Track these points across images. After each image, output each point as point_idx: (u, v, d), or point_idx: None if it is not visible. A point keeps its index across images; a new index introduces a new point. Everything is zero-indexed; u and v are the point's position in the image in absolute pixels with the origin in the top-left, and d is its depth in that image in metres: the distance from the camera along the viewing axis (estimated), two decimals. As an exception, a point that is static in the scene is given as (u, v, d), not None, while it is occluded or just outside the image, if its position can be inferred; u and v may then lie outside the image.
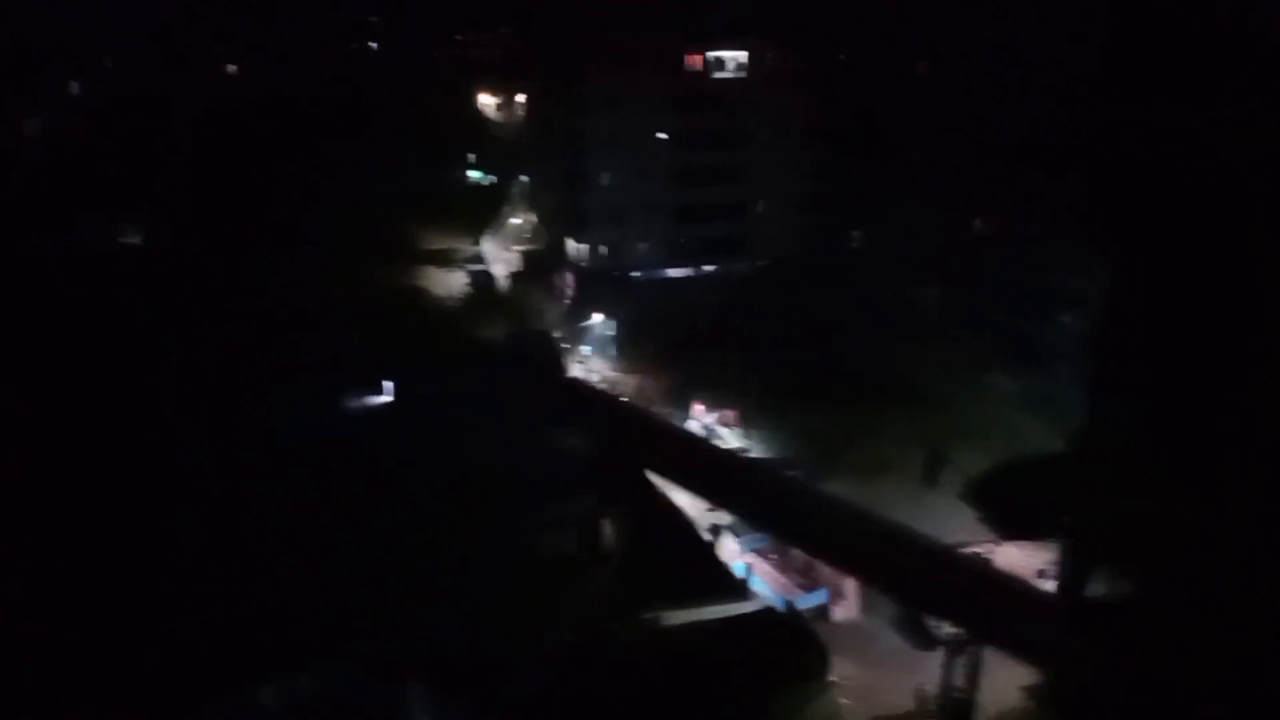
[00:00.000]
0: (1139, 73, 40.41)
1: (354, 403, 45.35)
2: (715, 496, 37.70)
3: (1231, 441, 28.52)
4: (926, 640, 31.82)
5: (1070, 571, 31.09)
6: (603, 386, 51.88)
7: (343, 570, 32.64)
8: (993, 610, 28.82)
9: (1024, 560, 34.70)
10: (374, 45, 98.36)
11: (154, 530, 33.74)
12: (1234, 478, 27.57)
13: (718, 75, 66.13)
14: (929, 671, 29.75)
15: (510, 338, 54.69)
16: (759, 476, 40.05)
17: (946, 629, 30.73)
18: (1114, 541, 30.49)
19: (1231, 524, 26.86)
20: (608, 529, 38.68)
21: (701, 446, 42.87)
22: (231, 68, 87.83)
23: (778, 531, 35.90)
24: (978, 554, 33.40)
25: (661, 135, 64.12)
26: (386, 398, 46.72)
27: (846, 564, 33.46)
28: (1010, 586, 30.75)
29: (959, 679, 28.82)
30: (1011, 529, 33.53)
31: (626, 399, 49.90)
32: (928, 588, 30.31)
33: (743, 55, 66.58)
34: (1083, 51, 45.22)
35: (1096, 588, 30.95)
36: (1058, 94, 45.61)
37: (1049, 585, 34.41)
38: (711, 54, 66.00)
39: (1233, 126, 34.29)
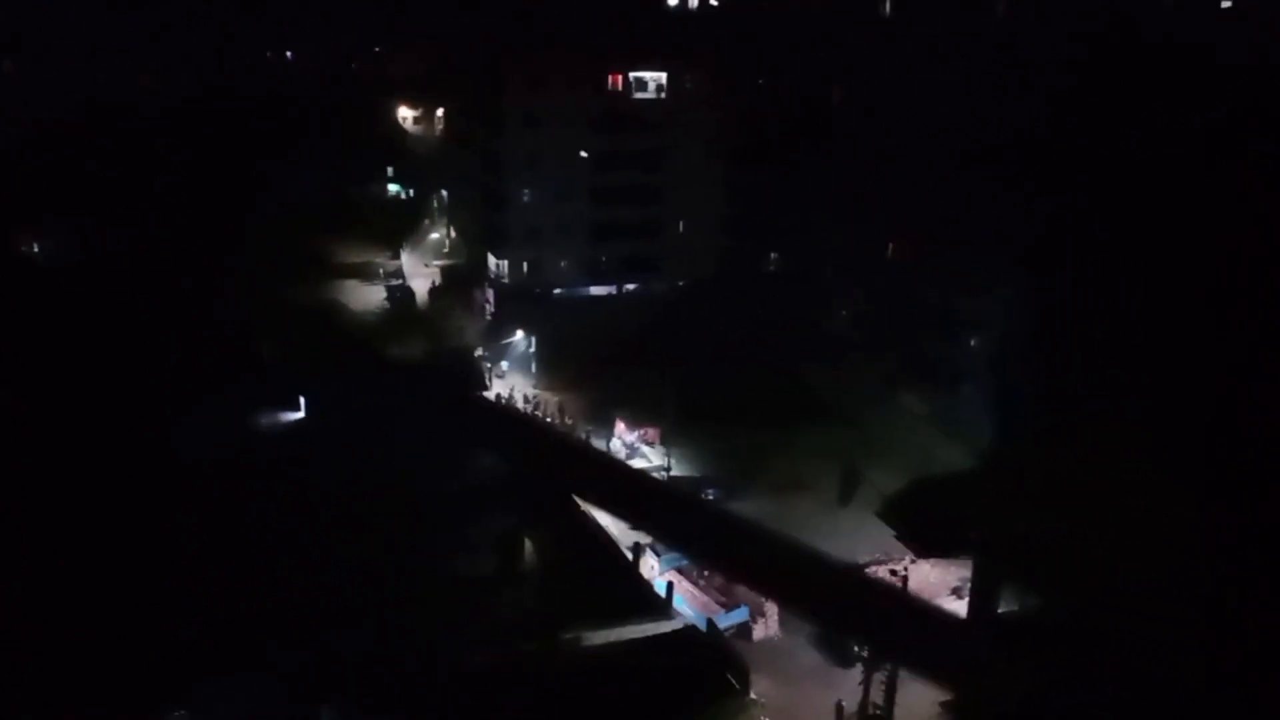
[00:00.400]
0: (1044, 101, 42.35)
1: (268, 418, 44.17)
2: (631, 518, 37.74)
3: (1132, 456, 29.89)
4: (845, 657, 32.34)
5: (981, 587, 32.04)
6: (523, 406, 51.54)
7: (255, 587, 31.71)
8: (900, 629, 29.45)
9: (939, 577, 35.61)
10: (290, 56, 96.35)
11: (63, 547, 32.29)
12: (1135, 491, 28.89)
13: (638, 95, 66.77)
14: (848, 688, 30.22)
15: (429, 354, 54.00)
16: (674, 499, 40.22)
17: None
18: (1021, 556, 31.57)
19: (1134, 536, 28.12)
20: (528, 546, 38.41)
21: (619, 469, 42.83)
22: (142, 78, 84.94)
23: (691, 553, 36.12)
24: (893, 571, 34.15)
25: (582, 154, 64.30)
26: (299, 414, 45.62)
27: (758, 585, 33.91)
28: (917, 607, 31.48)
29: (877, 695, 29.38)
30: (925, 546, 34.39)
31: (545, 420, 49.63)
32: (836, 608, 30.83)
33: (663, 76, 67.44)
34: (993, 78, 47.01)
35: (1007, 602, 32.02)
36: (968, 121, 47.30)
37: (962, 602, 35.53)
38: (632, 74, 66.66)
39: (1140, 150, 36.16)
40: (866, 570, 37.41)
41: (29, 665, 27.53)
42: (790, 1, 68.62)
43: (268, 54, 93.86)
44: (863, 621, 29.71)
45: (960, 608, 34.97)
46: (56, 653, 28.14)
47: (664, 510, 38.53)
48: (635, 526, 37.95)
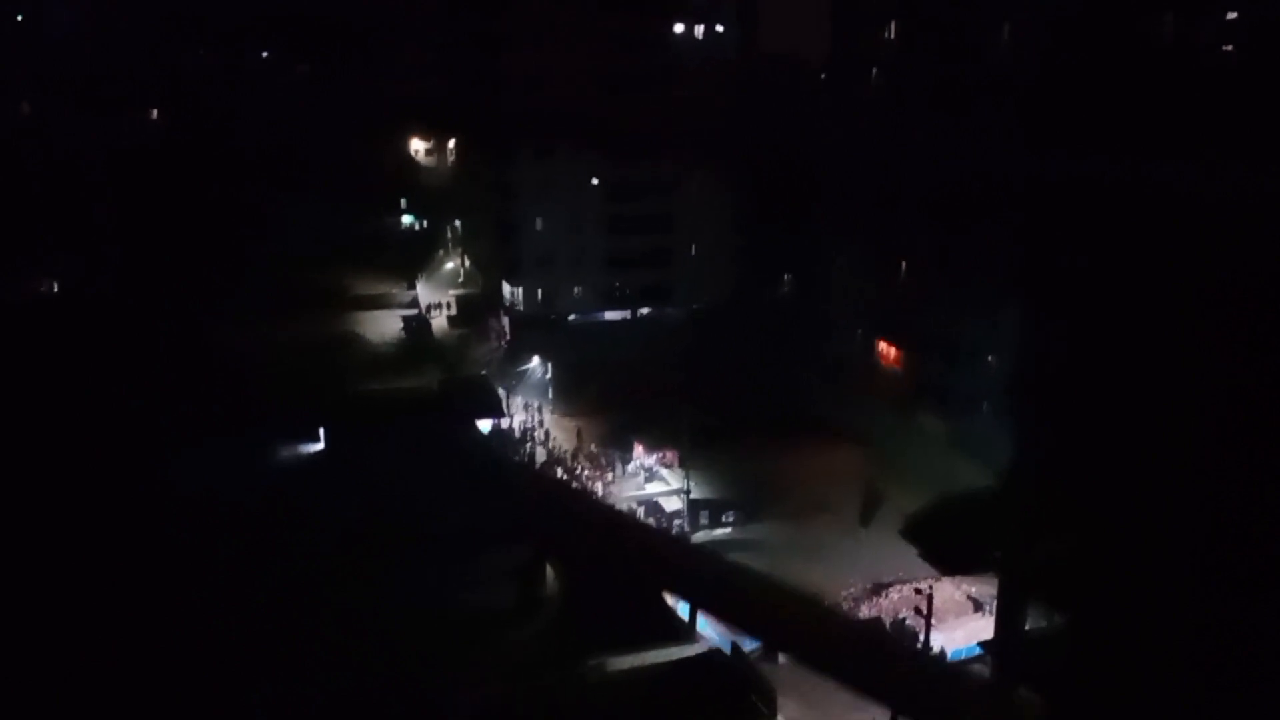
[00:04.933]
0: (1051, 128, 42.56)
1: (288, 450, 44.36)
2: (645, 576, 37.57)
3: (1154, 477, 29.76)
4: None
5: (1006, 605, 31.84)
6: (539, 432, 51.73)
7: (272, 620, 31.75)
8: (920, 694, 29.16)
9: (962, 595, 35.50)
10: (305, 87, 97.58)
11: (73, 584, 32.38)
12: (1157, 512, 28.75)
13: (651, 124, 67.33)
14: (876, 710, 30.05)
15: (446, 383, 54.21)
16: (681, 555, 39.71)
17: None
18: (1044, 575, 31.38)
19: (1156, 558, 27.96)
20: (548, 574, 38.36)
21: (624, 524, 42.28)
22: (154, 112, 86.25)
23: (703, 606, 35.90)
24: (918, 589, 34.04)
25: (589, 184, 64.94)
26: (319, 445, 45.79)
27: (776, 643, 33.88)
28: (937, 670, 31.25)
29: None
30: (949, 565, 34.24)
31: (550, 477, 48.65)
32: (854, 670, 30.59)
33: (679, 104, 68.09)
34: (1000, 109, 47.37)
35: (1031, 622, 31.81)
36: (976, 149, 47.63)
37: (982, 617, 35.38)
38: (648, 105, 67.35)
39: (1141, 178, 36.28)
40: (890, 589, 37.37)
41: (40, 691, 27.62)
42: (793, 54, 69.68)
43: (283, 89, 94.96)
44: (881, 685, 29.45)
45: (978, 623, 34.88)
46: (64, 687, 28.11)
47: (682, 568, 38.03)
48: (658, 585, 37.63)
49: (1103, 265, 37.35)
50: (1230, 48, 39.76)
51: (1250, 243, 29.76)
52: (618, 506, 44.34)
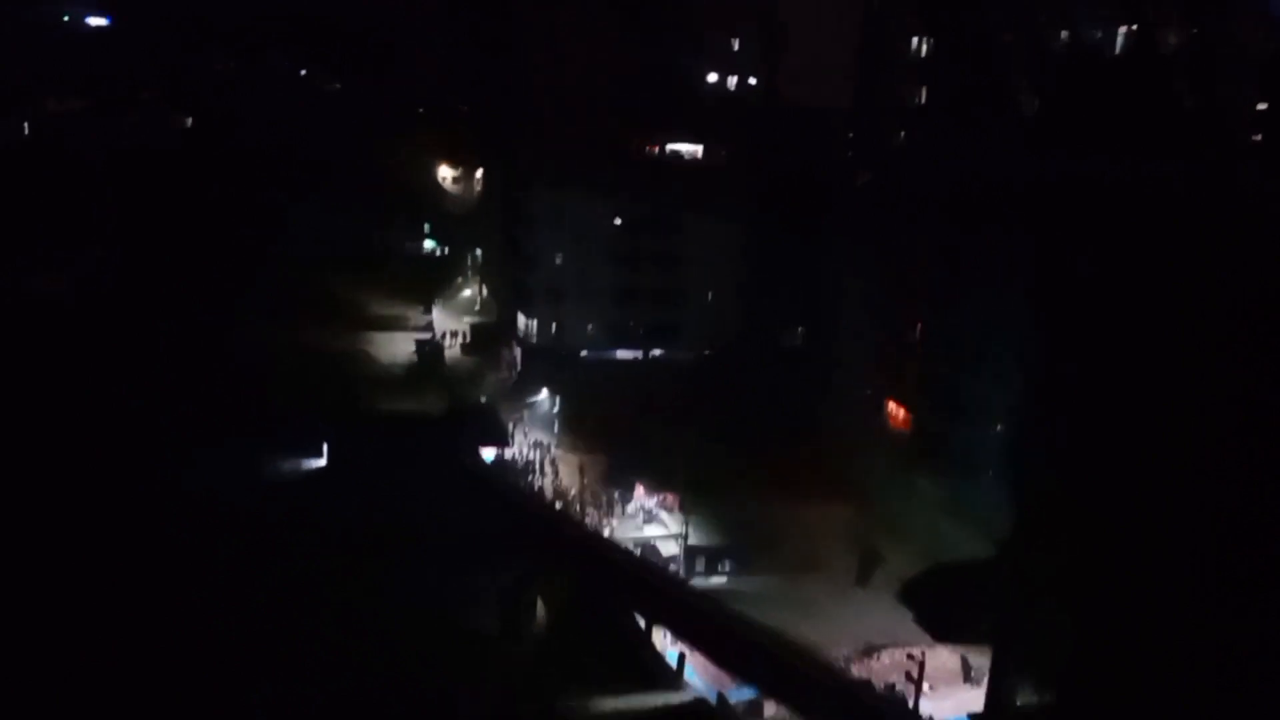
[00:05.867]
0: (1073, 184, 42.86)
1: (291, 464, 44.61)
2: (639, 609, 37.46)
3: (1149, 551, 29.69)
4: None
5: (998, 675, 31.63)
6: (542, 464, 51.75)
7: (262, 623, 31.76)
8: None
9: (956, 663, 35.19)
10: (338, 102, 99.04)
11: (79, 588, 32.51)
12: (1151, 585, 28.65)
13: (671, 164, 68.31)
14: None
15: (454, 409, 54.44)
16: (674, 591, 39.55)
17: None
18: (1037, 647, 31.20)
19: (1148, 631, 27.81)
20: (539, 605, 38.27)
21: (620, 555, 42.37)
22: (187, 121, 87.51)
23: (692, 643, 35.69)
24: (910, 655, 33.76)
25: (607, 222, 65.73)
26: (321, 460, 46.02)
27: (753, 681, 33.67)
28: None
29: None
30: (943, 631, 34.07)
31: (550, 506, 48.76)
32: (830, 716, 30.36)
33: (698, 149, 69.10)
34: (1010, 160, 47.71)
35: (1021, 690, 31.56)
36: (995, 203, 47.93)
37: (973, 687, 35.01)
38: (668, 146, 68.38)
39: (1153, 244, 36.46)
40: (882, 653, 37.09)
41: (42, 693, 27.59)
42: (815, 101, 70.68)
43: (313, 109, 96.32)
44: None
45: (968, 693, 34.52)
46: (68, 694, 28.09)
47: (675, 603, 37.86)
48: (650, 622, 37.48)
49: (1123, 326, 37.51)
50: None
51: None
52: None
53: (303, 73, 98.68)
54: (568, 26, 65.91)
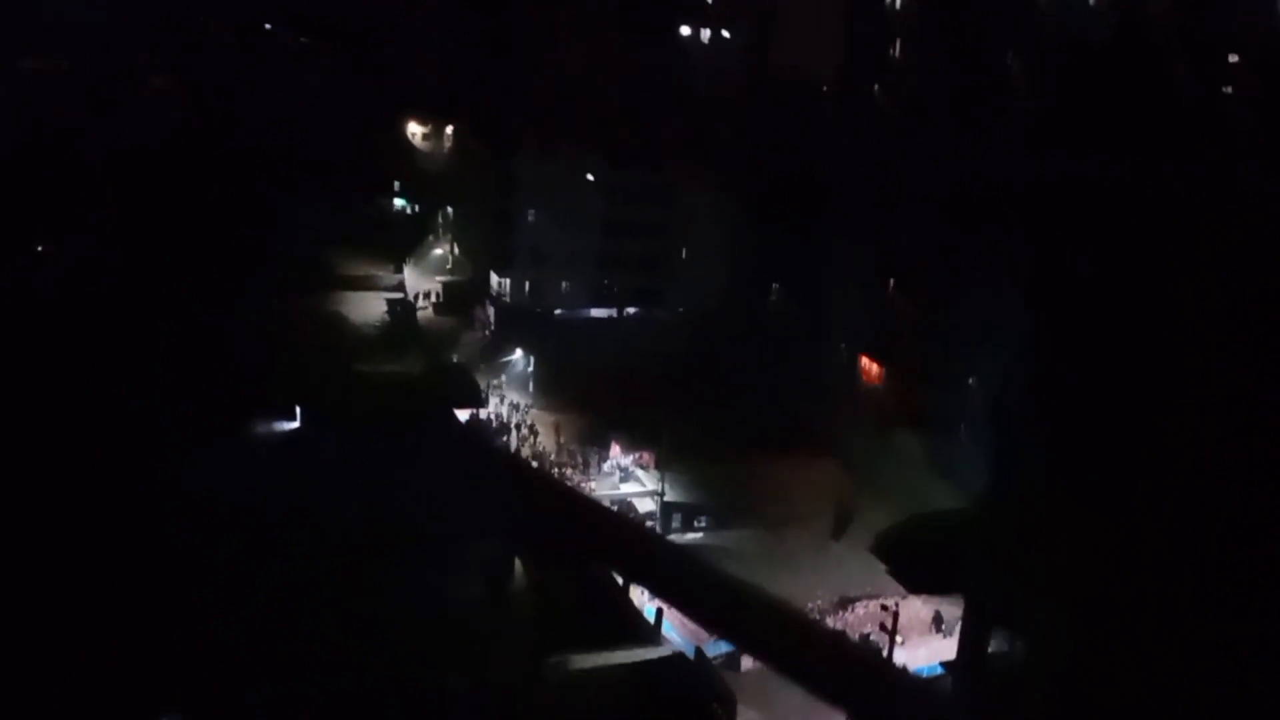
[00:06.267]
0: (1058, 144, 42.87)
1: (263, 427, 44.01)
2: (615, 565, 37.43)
3: (1127, 504, 30.03)
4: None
5: (971, 626, 32.02)
6: (517, 424, 51.55)
7: (237, 606, 31.40)
8: (879, 702, 29.19)
9: (928, 614, 35.64)
10: (299, 66, 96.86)
11: (42, 569, 31.92)
12: (1129, 539, 29.00)
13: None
14: (836, 718, 30.13)
15: (427, 369, 53.93)
16: (652, 547, 39.57)
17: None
18: (1011, 598, 31.57)
19: (1125, 583, 28.19)
20: (518, 569, 38.23)
21: (597, 511, 42.09)
22: (144, 86, 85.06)
23: (669, 600, 35.78)
24: (884, 606, 34.16)
25: (587, 182, 64.89)
26: (294, 424, 45.48)
27: (740, 643, 33.88)
28: (896, 678, 31.25)
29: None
30: (916, 583, 34.41)
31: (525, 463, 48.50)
32: (814, 673, 30.53)
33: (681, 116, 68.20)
34: (1006, 127, 47.60)
35: (995, 643, 32.00)
36: (975, 167, 47.87)
37: (943, 637, 35.52)
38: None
39: (1135, 206, 36.63)
40: (857, 604, 37.49)
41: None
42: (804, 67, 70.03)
43: (278, 66, 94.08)
44: (843, 692, 29.47)
45: (941, 643, 35.03)
46: (28, 669, 27.66)
47: (652, 560, 37.89)
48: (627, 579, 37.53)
49: (1099, 287, 37.73)
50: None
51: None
52: (591, 504, 44.27)
53: (267, 26, 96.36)
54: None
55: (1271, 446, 27.71)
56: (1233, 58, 40.16)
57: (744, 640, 33.10)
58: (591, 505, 42.01)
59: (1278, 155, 35.93)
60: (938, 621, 35.70)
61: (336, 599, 32.54)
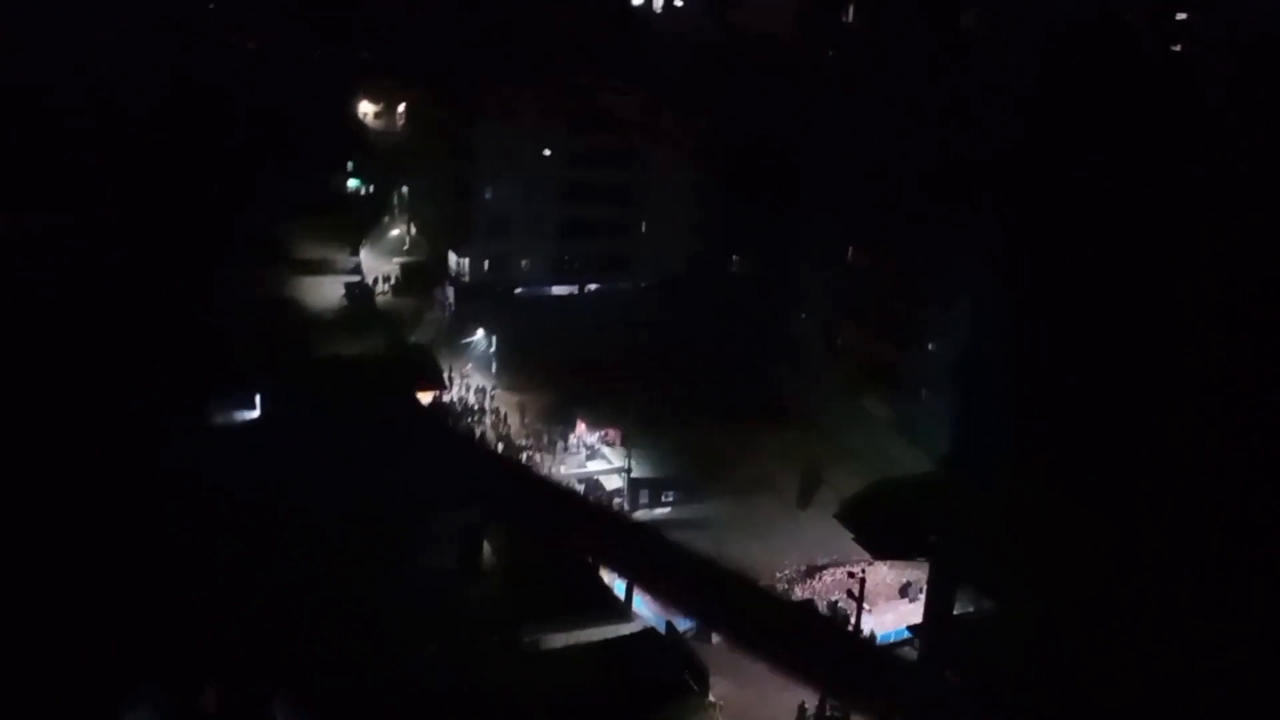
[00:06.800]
0: (1019, 112, 42.96)
1: (223, 417, 43.24)
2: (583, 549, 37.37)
3: (1089, 463, 30.40)
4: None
5: (936, 590, 32.35)
6: (480, 405, 51.11)
7: (206, 583, 31.03)
8: (848, 675, 29.41)
9: (895, 579, 35.96)
10: (250, 45, 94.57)
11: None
12: (1092, 497, 29.38)
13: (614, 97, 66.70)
14: (807, 690, 30.36)
15: (387, 352, 53.24)
16: (619, 531, 39.42)
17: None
18: (976, 560, 31.94)
19: (1088, 544, 28.59)
20: (487, 547, 38.06)
21: (564, 496, 41.84)
22: (90, 62, 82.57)
23: (637, 582, 35.74)
24: (850, 573, 34.38)
25: (547, 151, 64.05)
26: (254, 412, 44.74)
27: (697, 615, 34.03)
28: (863, 650, 31.59)
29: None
30: (882, 549, 34.70)
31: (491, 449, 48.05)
32: (782, 650, 30.70)
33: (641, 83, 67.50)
34: (952, 99, 47.59)
35: (959, 607, 32.36)
36: (939, 130, 47.89)
37: (909, 602, 35.87)
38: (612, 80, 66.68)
39: (1105, 167, 36.82)
40: (824, 572, 37.72)
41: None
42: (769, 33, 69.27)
43: (227, 43, 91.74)
44: (811, 667, 29.68)
45: (907, 608, 35.39)
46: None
47: (619, 544, 37.78)
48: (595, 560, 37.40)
49: (1063, 249, 38.04)
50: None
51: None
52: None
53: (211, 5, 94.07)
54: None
55: (1229, 403, 28.14)
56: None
57: (711, 618, 33.24)
58: (556, 488, 41.84)
59: (1224, 118, 36.25)
60: (904, 590, 36.02)
61: (309, 581, 32.26)
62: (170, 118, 68.86)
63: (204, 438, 41.53)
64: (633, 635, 33.29)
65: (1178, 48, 42.96)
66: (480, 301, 60.09)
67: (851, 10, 57.03)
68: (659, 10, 69.23)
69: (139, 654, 28.08)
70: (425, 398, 48.18)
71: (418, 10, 75.00)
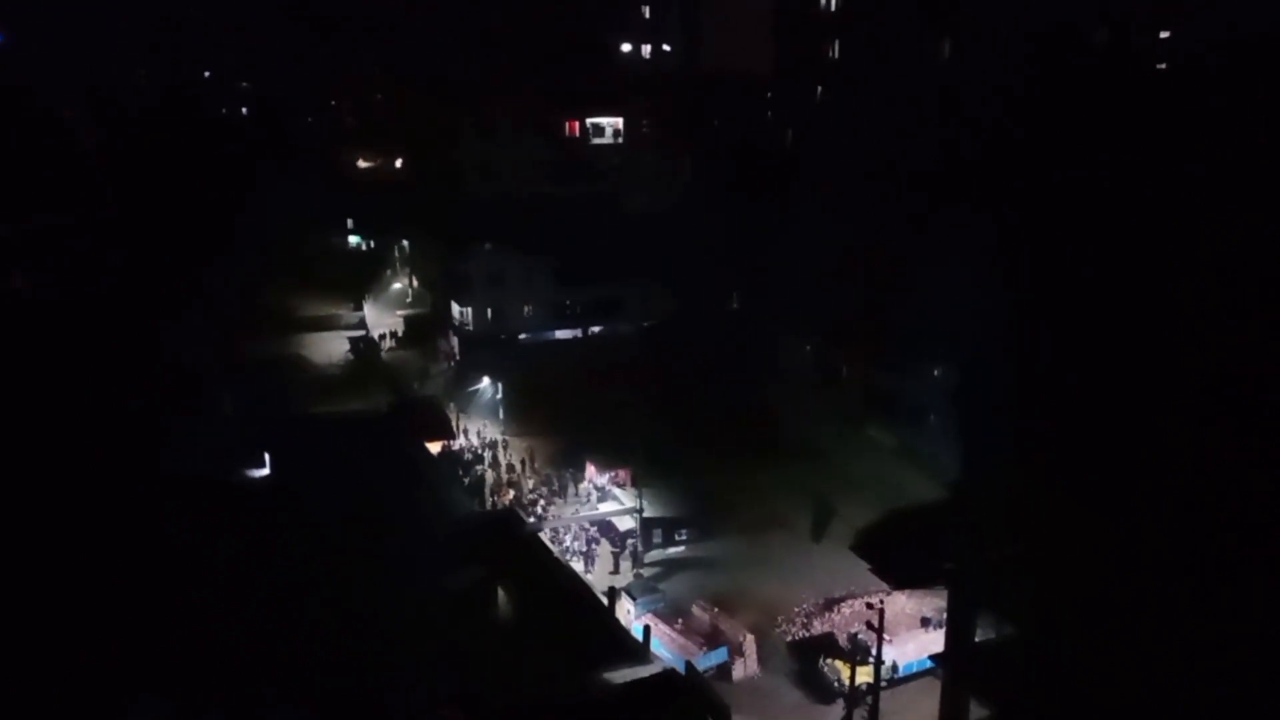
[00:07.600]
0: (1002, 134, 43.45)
1: (234, 476, 43.37)
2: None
3: (1098, 485, 30.32)
4: (825, 693, 32.16)
5: (956, 616, 32.12)
6: (488, 452, 51.15)
7: (215, 646, 30.88)
8: None
9: (915, 608, 35.67)
10: (246, 110, 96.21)
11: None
12: (1104, 520, 29.28)
13: (595, 141, 67.75)
14: (829, 724, 30.15)
15: (395, 404, 53.47)
16: None
17: (843, 681, 31.26)
18: (994, 584, 31.77)
19: (1105, 564, 28.44)
20: (500, 597, 37.88)
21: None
22: (96, 127, 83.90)
23: None
24: (869, 604, 34.13)
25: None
26: (264, 471, 44.84)
27: None
28: None
29: (858, 730, 29.29)
30: (899, 578, 34.51)
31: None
32: None
33: (619, 122, 68.56)
34: (945, 115, 48.19)
35: (982, 632, 32.11)
36: (926, 156, 48.44)
37: (932, 632, 35.54)
38: (589, 121, 67.73)
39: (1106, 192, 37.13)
40: (842, 604, 37.47)
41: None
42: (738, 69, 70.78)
43: (226, 110, 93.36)
44: None
45: (931, 638, 35.06)
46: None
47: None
48: None
49: (1064, 265, 38.20)
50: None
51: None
52: (570, 527, 44.04)
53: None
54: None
55: (1237, 420, 28.12)
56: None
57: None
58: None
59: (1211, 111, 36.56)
60: (925, 622, 35.74)
61: (321, 629, 32.10)
62: (170, 127, 69.60)
63: (215, 495, 41.63)
64: (652, 677, 33.00)
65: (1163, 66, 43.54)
66: (484, 350, 60.44)
67: (837, 46, 57.96)
68: (645, 56, 70.37)
69: (139, 656, 27.86)
70: (434, 448, 48.29)
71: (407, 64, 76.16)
